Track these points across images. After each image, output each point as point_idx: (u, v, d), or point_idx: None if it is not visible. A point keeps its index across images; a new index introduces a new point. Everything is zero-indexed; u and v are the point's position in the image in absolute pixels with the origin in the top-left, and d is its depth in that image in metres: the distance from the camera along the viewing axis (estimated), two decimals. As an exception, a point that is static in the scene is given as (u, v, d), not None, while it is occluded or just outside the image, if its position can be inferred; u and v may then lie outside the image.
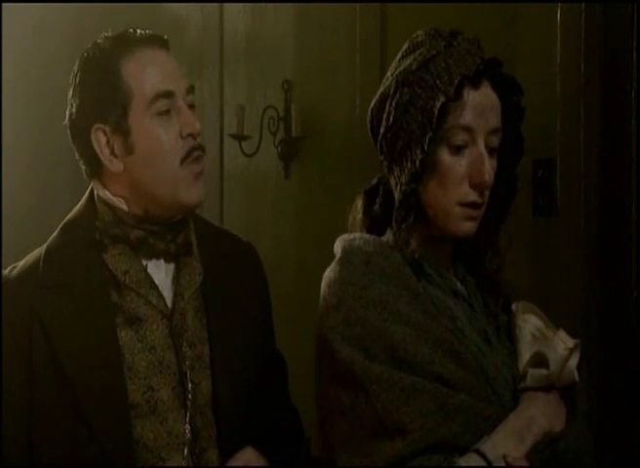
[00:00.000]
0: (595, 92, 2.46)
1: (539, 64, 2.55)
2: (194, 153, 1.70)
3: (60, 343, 1.64)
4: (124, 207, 1.72)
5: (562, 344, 1.59)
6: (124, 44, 1.70)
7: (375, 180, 1.71)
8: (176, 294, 1.73)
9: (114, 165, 1.70)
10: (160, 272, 1.74)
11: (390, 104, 1.59)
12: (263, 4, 3.41)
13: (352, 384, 1.51)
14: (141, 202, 1.71)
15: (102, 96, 1.68)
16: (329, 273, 1.61)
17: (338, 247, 1.64)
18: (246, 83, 3.51)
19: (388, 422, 1.49)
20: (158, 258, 1.73)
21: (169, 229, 1.73)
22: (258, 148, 3.44)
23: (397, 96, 1.59)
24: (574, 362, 1.60)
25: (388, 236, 1.62)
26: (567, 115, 2.49)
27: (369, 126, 1.67)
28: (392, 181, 1.63)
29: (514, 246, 2.48)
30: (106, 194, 1.72)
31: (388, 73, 1.63)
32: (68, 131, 1.75)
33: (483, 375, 1.56)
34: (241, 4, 3.49)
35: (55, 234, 1.74)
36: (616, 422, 2.40)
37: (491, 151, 1.59)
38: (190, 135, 1.70)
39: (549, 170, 2.51)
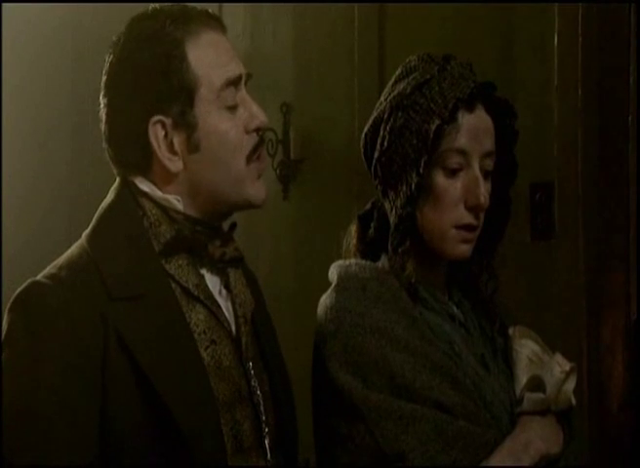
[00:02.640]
0: (593, 115, 2.47)
1: (536, 88, 2.56)
2: (258, 150, 1.52)
3: (149, 367, 1.40)
4: (179, 207, 1.49)
5: (558, 367, 1.60)
6: (187, 25, 1.48)
7: (369, 205, 1.71)
8: (237, 316, 1.53)
9: (174, 163, 1.47)
10: (214, 287, 1.52)
11: (385, 129, 1.60)
12: (262, 28, 3.43)
13: (351, 413, 1.51)
14: (199, 202, 1.50)
15: (164, 82, 1.46)
16: (325, 300, 1.61)
17: (333, 274, 1.64)
18: (245, 106, 3.51)
19: (388, 451, 1.48)
20: (209, 269, 1.52)
21: (219, 235, 1.54)
22: (256, 171, 3.45)
23: (391, 120, 1.59)
24: (570, 385, 1.60)
25: (383, 261, 1.62)
26: (564, 138, 2.49)
27: (362, 151, 1.67)
28: (387, 205, 1.63)
29: (513, 269, 2.50)
30: (158, 193, 1.49)
31: (382, 98, 1.64)
32: (107, 126, 1.51)
33: (481, 400, 1.56)
34: (240, 29, 3.50)
35: (94, 235, 1.49)
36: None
37: (485, 174, 1.59)
38: (258, 128, 1.51)
39: (547, 193, 2.51)
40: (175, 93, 1.46)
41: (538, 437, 1.54)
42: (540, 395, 1.59)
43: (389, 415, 1.49)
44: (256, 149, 1.52)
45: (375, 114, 1.64)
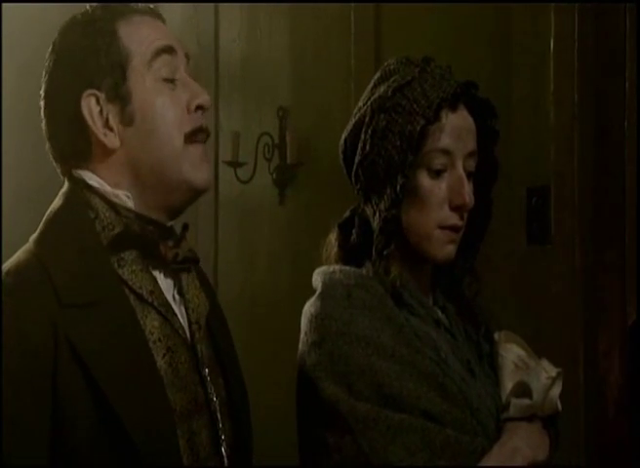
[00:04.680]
0: (589, 119, 2.46)
1: (532, 93, 2.56)
2: (199, 135, 1.47)
3: (103, 377, 1.34)
4: (130, 204, 1.45)
5: (544, 373, 1.59)
6: (119, 10, 1.49)
7: (348, 213, 1.70)
8: (191, 322, 1.48)
9: (109, 139, 1.43)
10: (168, 292, 1.47)
11: (366, 132, 1.58)
12: (258, 32, 3.43)
13: (337, 424, 1.48)
14: (143, 191, 1.45)
15: (96, 58, 1.44)
16: (309, 308, 1.58)
17: (317, 280, 1.62)
18: (241, 110, 3.51)
19: (375, 462, 1.46)
20: (162, 271, 1.47)
21: (171, 235, 1.49)
22: (252, 175, 3.45)
23: (373, 123, 1.58)
24: (556, 391, 1.59)
25: (368, 267, 1.60)
26: (561, 143, 2.49)
27: (342, 156, 1.65)
28: (369, 210, 1.61)
29: (508, 273, 2.50)
30: (107, 188, 1.45)
31: (360, 103, 1.63)
32: (44, 109, 1.48)
33: (468, 407, 1.54)
34: (236, 33, 3.51)
35: (43, 240, 1.44)
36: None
37: (468, 175, 1.58)
38: (200, 107, 1.47)
39: (543, 197, 2.51)
40: (106, 67, 1.44)
41: (524, 444, 1.53)
42: (527, 401, 1.58)
43: (377, 426, 1.47)
44: (196, 131, 1.47)
45: (354, 119, 1.62)
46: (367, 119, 1.59)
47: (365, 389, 1.49)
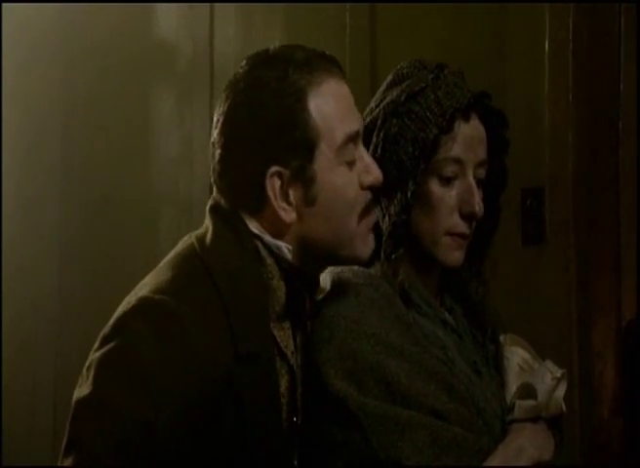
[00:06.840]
0: (584, 120, 2.47)
1: (527, 93, 2.56)
2: (370, 209, 1.51)
3: (255, 438, 1.37)
4: (289, 257, 1.46)
5: (549, 374, 1.60)
6: (310, 73, 1.43)
7: None
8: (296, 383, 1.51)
9: (288, 214, 1.43)
10: None
11: (378, 136, 1.60)
12: (254, 34, 3.43)
13: (346, 420, 1.49)
14: (304, 254, 1.47)
15: (287, 136, 1.41)
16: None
17: (326, 280, 1.62)
18: (236, 111, 3.51)
19: (384, 458, 1.47)
20: (291, 326, 1.49)
21: (314, 287, 1.54)
22: (248, 176, 3.45)
23: (385, 127, 1.59)
24: (561, 391, 1.60)
25: (376, 267, 1.61)
26: (555, 143, 2.49)
27: None
28: (379, 212, 1.61)
29: (503, 274, 2.50)
30: (267, 237, 1.45)
31: (372, 104, 1.64)
32: (220, 165, 1.46)
33: (474, 407, 1.55)
34: (232, 34, 3.51)
35: (213, 254, 1.42)
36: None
37: (477, 183, 1.60)
38: (371, 185, 1.49)
39: (538, 198, 2.51)
40: (295, 146, 1.42)
41: (530, 444, 1.54)
42: (532, 402, 1.59)
43: (386, 422, 1.47)
44: (368, 208, 1.50)
45: (367, 120, 1.63)
46: (379, 122, 1.60)
47: (374, 386, 1.50)
